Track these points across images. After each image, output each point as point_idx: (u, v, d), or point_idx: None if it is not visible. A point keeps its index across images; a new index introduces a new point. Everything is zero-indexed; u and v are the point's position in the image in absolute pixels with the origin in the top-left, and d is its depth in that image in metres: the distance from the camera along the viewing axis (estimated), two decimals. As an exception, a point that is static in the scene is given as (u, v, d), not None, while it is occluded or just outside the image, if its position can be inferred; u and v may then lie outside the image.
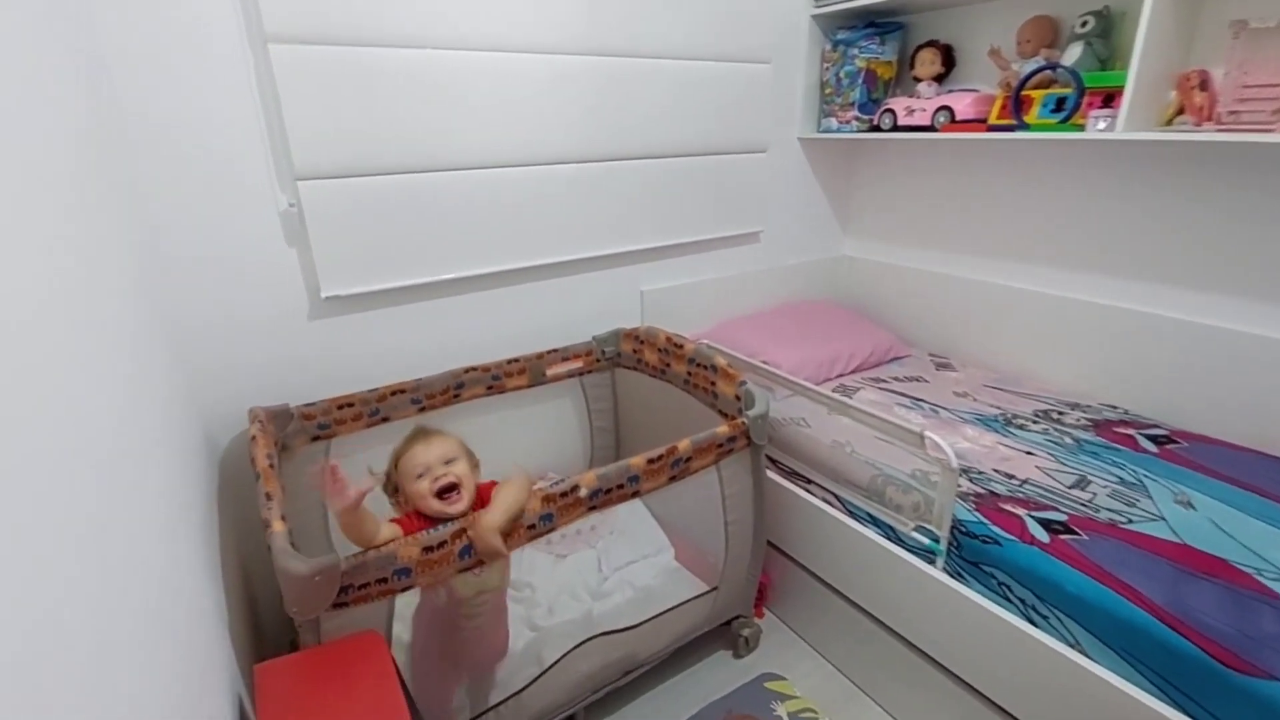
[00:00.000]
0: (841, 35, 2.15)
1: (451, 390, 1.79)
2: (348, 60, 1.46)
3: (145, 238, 1.28)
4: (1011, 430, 1.76)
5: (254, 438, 1.33)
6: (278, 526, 1.06)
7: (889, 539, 1.48)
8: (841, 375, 2.13)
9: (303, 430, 1.59)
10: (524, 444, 1.97)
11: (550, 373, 1.96)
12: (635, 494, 1.33)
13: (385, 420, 1.70)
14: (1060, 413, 1.85)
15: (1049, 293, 2.01)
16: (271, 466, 1.25)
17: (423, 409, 1.75)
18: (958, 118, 1.92)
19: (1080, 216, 1.93)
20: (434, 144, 1.62)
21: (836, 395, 1.59)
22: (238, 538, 1.47)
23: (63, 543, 0.48)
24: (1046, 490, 1.48)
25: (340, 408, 1.64)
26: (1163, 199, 1.75)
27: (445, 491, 1.24)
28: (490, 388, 1.86)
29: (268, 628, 1.58)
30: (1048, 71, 1.72)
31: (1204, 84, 1.56)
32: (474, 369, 1.81)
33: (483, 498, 1.29)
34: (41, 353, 0.53)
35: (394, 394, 1.70)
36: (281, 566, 0.99)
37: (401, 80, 1.54)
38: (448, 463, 1.26)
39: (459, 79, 1.61)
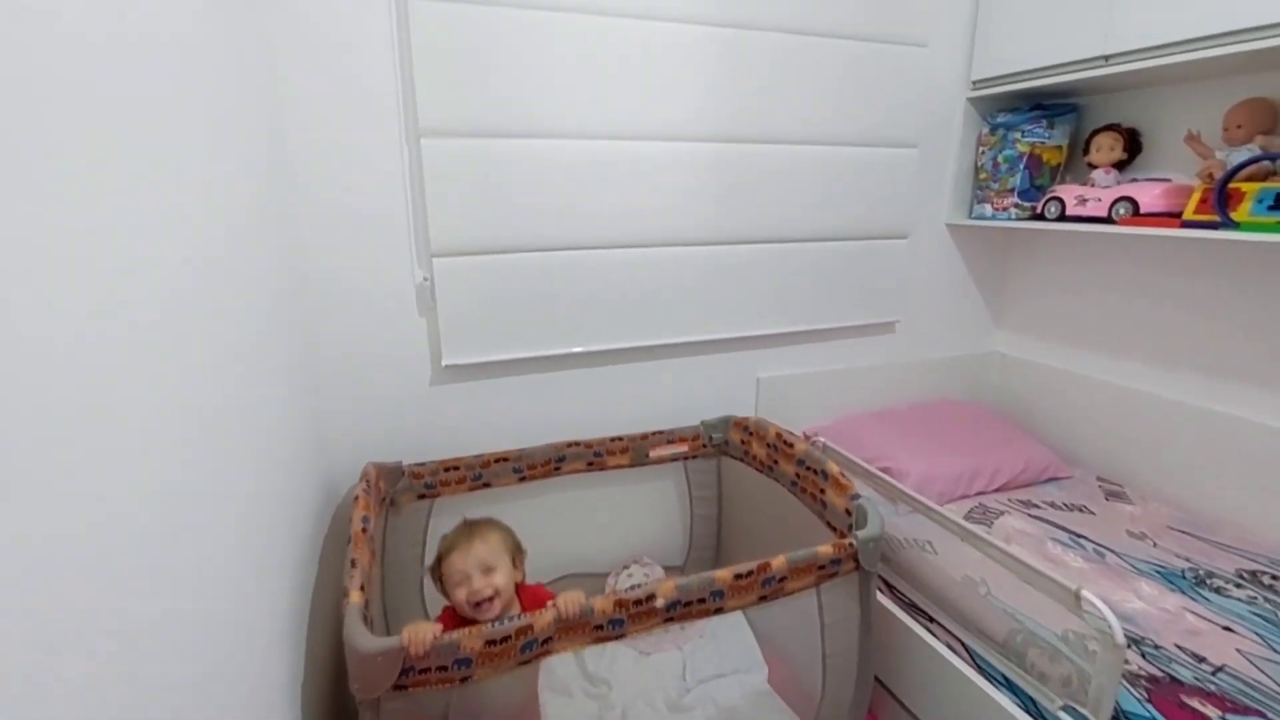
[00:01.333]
0: (1002, 118, 1.98)
1: (553, 463, 1.79)
2: (487, 150, 1.57)
3: (296, 286, 1.43)
4: (1204, 593, 1.41)
5: (357, 497, 1.39)
6: (354, 598, 1.08)
7: (1028, 712, 1.22)
8: (982, 493, 1.86)
9: (411, 488, 1.66)
10: (621, 524, 1.91)
11: (654, 454, 1.90)
12: (719, 610, 1.21)
13: (486, 485, 1.73)
14: (1275, 576, 1.46)
15: (1260, 421, 1.64)
16: (365, 530, 1.29)
17: (523, 478, 1.76)
18: (1143, 210, 1.66)
19: (1310, 333, 1.57)
20: (559, 225, 1.68)
21: (967, 523, 1.37)
22: (337, 594, 1.54)
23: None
24: (1250, 684, 1.15)
25: (447, 470, 1.69)
26: None
27: (480, 602, 1.26)
28: (591, 464, 1.83)
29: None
30: (1266, 163, 1.44)
31: None
32: (576, 444, 1.80)
33: (529, 601, 1.29)
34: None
35: (497, 461, 1.72)
36: (349, 641, 1.00)
37: (533, 166, 1.62)
38: (486, 571, 1.28)
39: (588, 165, 1.67)
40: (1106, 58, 1.64)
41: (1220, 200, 1.48)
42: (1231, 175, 1.47)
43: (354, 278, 1.57)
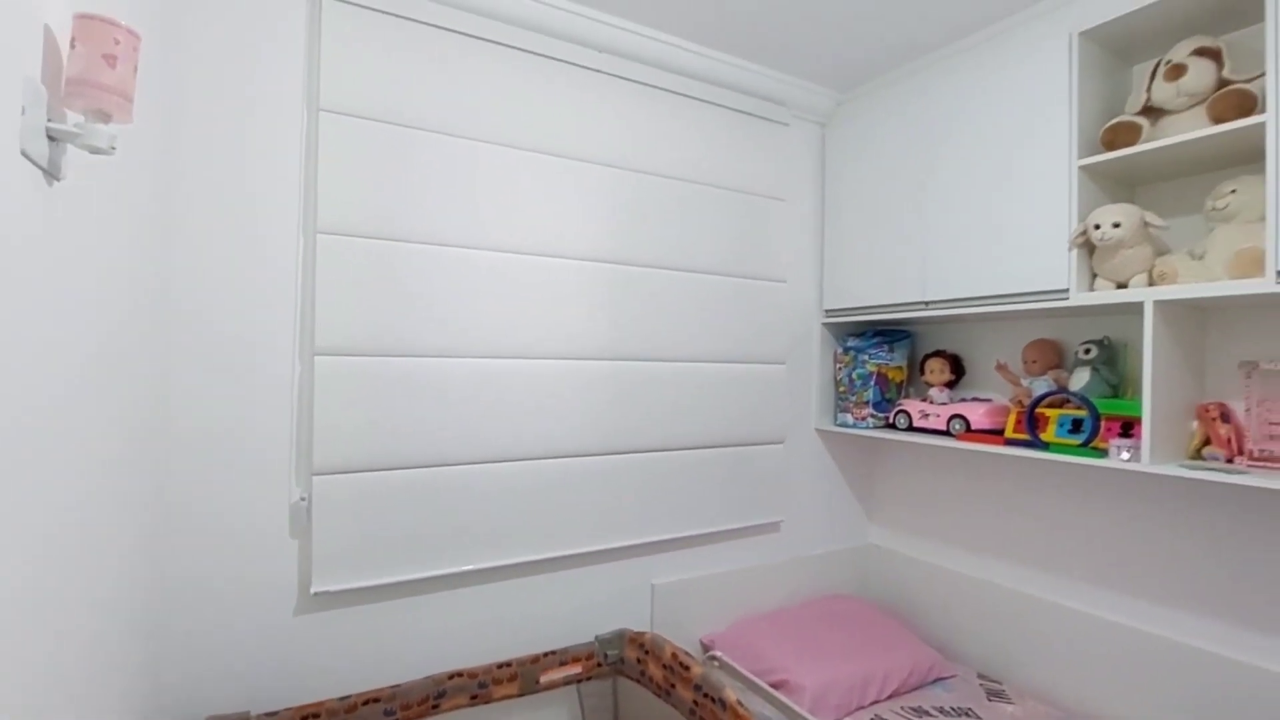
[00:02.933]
0: (852, 342, 2.30)
1: (431, 699, 1.61)
2: (381, 366, 1.59)
3: (147, 503, 1.29)
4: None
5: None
6: None
7: None
8: (876, 702, 1.86)
9: (257, 747, 1.41)
10: (506, 768, 1.71)
11: (544, 679, 1.76)
12: None
13: (351, 736, 1.51)
14: (1147, 781, 1.52)
15: (1102, 616, 1.81)
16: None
17: (396, 722, 1.56)
18: (973, 426, 1.93)
19: (1115, 538, 1.81)
20: (451, 441, 1.68)
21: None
22: None
23: None
24: None
25: (305, 718, 1.47)
26: (1213, 531, 1.64)
27: None
28: (475, 696, 1.66)
29: None
30: (1060, 394, 1.75)
31: (1225, 416, 1.55)
32: (459, 674, 1.64)
33: None
34: None
35: (366, 703, 1.53)
36: None
37: (428, 384, 1.65)
38: None
39: (485, 382, 1.72)
40: (926, 303, 2.00)
41: (1030, 422, 1.76)
42: (1036, 404, 1.76)
43: (221, 497, 1.45)
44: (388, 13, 1.60)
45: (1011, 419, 1.84)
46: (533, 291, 1.79)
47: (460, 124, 1.69)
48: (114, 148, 0.79)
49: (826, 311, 2.37)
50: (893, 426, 2.19)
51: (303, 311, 1.53)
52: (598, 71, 1.89)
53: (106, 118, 0.78)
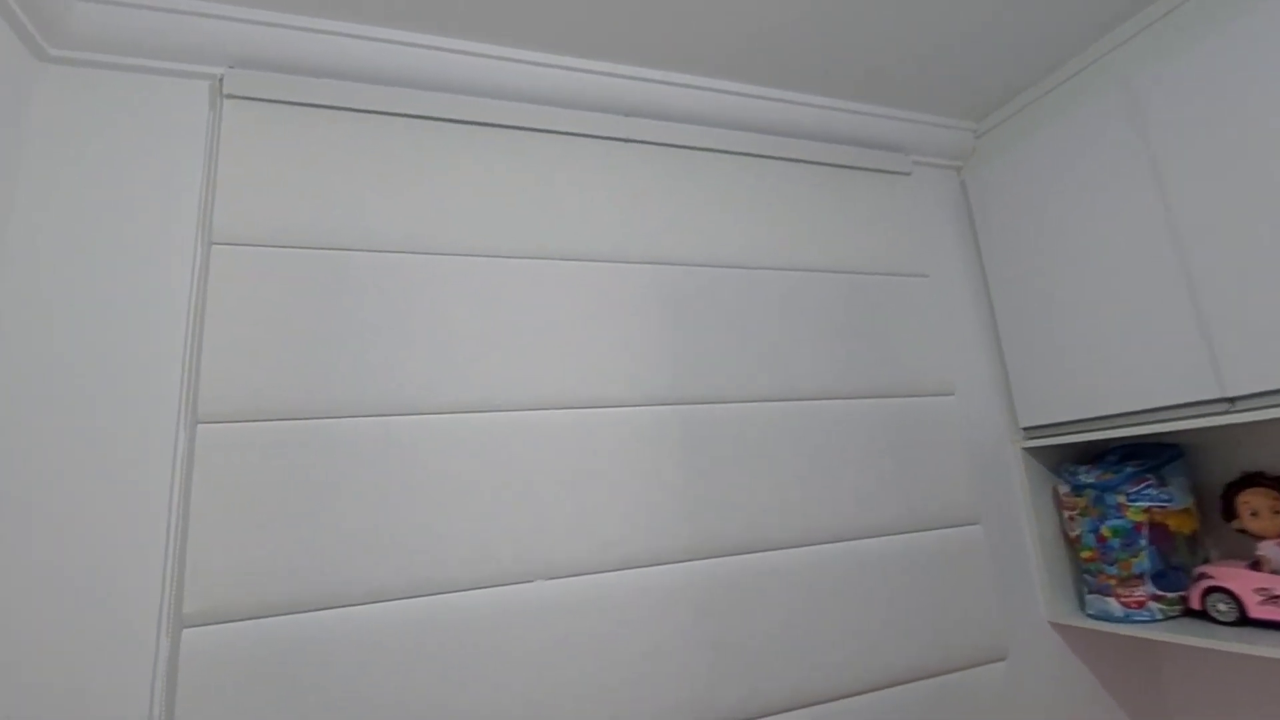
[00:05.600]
0: (1086, 475, 1.43)
1: None
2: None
3: None
4: None
5: None
6: None
7: None
8: None
9: None
10: None
11: None
12: None
13: None
14: None
15: None
16: None
17: None
18: None
19: None
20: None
21: None
22: None
23: None
24: None
25: None
26: None
27: None
28: None
29: None
30: None
31: None
32: None
33: None
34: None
35: None
36: None
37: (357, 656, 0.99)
38: None
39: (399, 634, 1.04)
40: (1230, 400, 1.15)
41: None
42: None
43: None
44: (308, 104, 1.14)
45: None
46: (557, 465, 1.14)
47: (422, 236, 1.16)
48: None
49: (1026, 431, 1.54)
50: (1203, 616, 1.26)
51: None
52: (628, 142, 1.35)
53: None
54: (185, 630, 0.90)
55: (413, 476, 1.04)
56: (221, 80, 1.13)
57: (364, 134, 1.17)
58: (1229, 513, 1.31)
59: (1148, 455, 1.41)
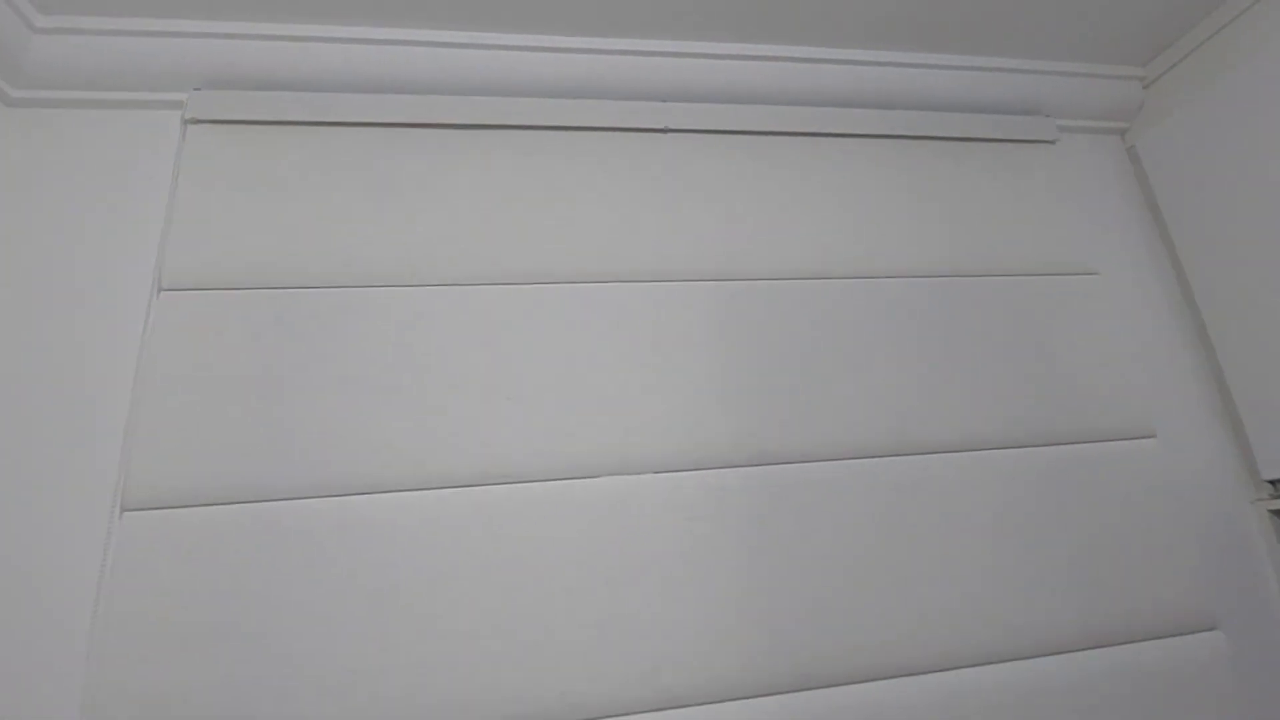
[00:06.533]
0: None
1: None
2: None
3: None
4: None
5: None
6: None
7: None
8: None
9: None
10: None
11: None
12: None
13: None
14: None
15: None
16: None
17: None
18: None
19: None
20: None
21: None
22: None
23: None
24: None
25: None
26: None
27: None
28: None
29: None
30: None
31: None
32: None
33: None
34: None
35: None
36: None
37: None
38: None
39: None
40: None
41: None
42: None
43: None
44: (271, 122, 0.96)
45: None
46: (585, 556, 0.84)
47: (414, 263, 0.93)
48: None
49: (1274, 487, 1.06)
50: None
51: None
52: (666, 132, 1.07)
53: None
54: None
55: (384, 576, 0.78)
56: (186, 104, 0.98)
57: (341, 151, 0.97)
58: None
59: None
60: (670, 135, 1.05)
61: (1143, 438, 1.04)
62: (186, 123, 0.97)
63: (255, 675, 0.73)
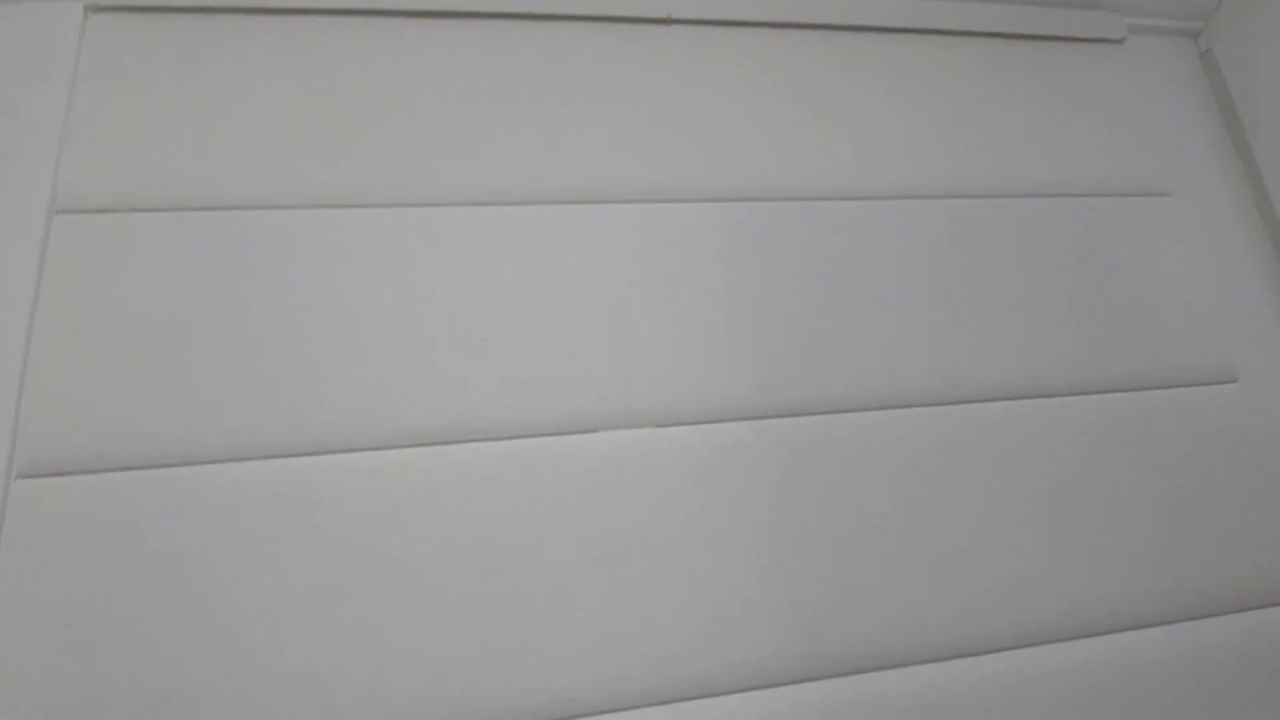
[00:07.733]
0: None
1: None
2: None
3: None
4: None
5: None
6: None
7: None
8: None
9: None
10: None
11: None
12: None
13: None
14: None
15: None
16: None
17: None
18: None
19: None
20: None
21: None
22: None
23: None
24: None
25: None
26: None
27: None
28: None
29: None
30: None
31: None
32: None
33: None
34: None
35: None
36: None
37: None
38: None
39: None
40: None
41: None
42: None
43: None
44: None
45: None
46: (577, 533, 0.70)
47: (366, 182, 0.77)
48: None
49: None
50: None
51: None
52: (670, 23, 0.90)
53: None
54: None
55: (332, 556, 0.65)
56: (89, -9, 0.81)
57: (276, 45, 0.80)
58: None
59: None
60: (674, 26, 0.88)
61: (1224, 382, 0.90)
62: (88, 10, 0.80)
63: (173, 680, 0.60)
